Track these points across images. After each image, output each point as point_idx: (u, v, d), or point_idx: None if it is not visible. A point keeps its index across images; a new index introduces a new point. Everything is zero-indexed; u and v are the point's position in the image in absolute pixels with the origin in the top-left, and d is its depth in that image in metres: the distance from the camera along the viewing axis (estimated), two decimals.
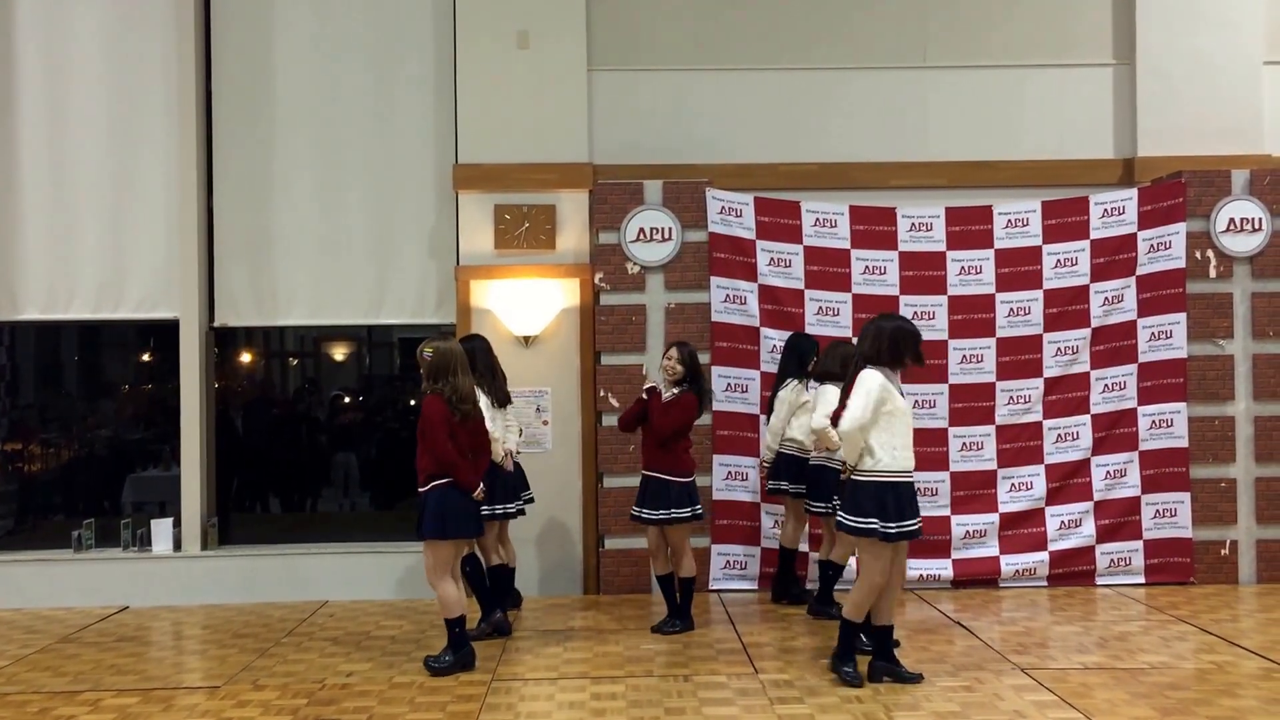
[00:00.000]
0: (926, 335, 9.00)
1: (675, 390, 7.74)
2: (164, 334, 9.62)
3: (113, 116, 9.53)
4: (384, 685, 6.65)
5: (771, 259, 9.14)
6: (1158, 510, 9.09)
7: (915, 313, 9.11)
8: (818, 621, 7.99)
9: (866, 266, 9.20)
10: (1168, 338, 9.12)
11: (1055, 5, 9.79)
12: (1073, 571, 9.06)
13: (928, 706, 6.06)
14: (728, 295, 9.09)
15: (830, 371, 7.82)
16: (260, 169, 9.59)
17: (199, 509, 9.30)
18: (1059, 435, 9.16)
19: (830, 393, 7.62)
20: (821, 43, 9.72)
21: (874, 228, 9.21)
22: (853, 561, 7.85)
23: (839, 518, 6.54)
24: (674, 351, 7.79)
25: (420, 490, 6.88)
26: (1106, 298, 9.17)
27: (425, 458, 6.84)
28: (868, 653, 6.64)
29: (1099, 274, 9.19)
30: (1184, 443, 9.08)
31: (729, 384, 9.06)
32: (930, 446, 8.94)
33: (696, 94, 9.62)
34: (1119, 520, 9.09)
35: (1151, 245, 9.16)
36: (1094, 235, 9.20)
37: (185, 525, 9.30)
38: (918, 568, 8.85)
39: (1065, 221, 9.22)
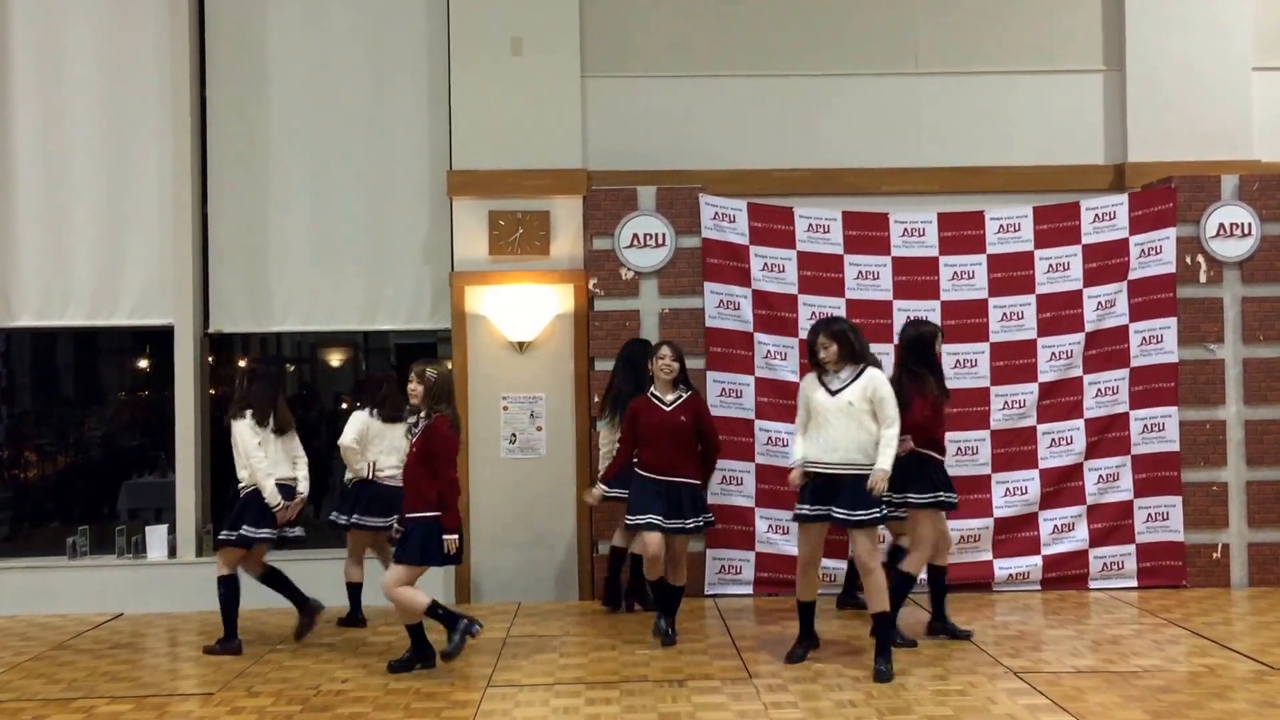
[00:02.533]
0: None
1: (681, 393, 7.57)
2: (159, 340, 9.64)
3: (107, 123, 9.55)
4: (378, 692, 6.66)
5: (765, 264, 9.17)
6: (1150, 514, 9.12)
7: (909, 317, 9.13)
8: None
9: (859, 272, 9.23)
10: (1159, 342, 9.16)
11: (1045, 12, 9.84)
12: (1066, 575, 9.08)
13: (920, 711, 6.08)
14: (721, 301, 9.13)
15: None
16: (255, 175, 9.61)
17: (194, 515, 9.30)
18: (1053, 440, 9.18)
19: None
20: (814, 49, 9.75)
21: (867, 233, 9.25)
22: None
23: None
24: (668, 351, 7.58)
25: (416, 516, 6.88)
26: (1099, 302, 9.21)
27: (432, 482, 6.84)
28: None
29: (1091, 279, 9.22)
30: (1175, 447, 9.11)
31: (723, 389, 9.08)
32: None
33: (690, 100, 9.65)
34: (1112, 524, 9.12)
35: (1142, 250, 9.21)
36: (1085, 240, 9.24)
37: (180, 532, 9.30)
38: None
39: (1057, 226, 9.26)
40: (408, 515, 6.95)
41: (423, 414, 7.00)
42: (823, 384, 6.94)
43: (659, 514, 7.41)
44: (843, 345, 6.90)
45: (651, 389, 7.62)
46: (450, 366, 7.16)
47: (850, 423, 6.79)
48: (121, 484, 10.07)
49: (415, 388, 7.02)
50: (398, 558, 6.97)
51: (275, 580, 7.91)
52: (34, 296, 9.51)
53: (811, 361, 7.05)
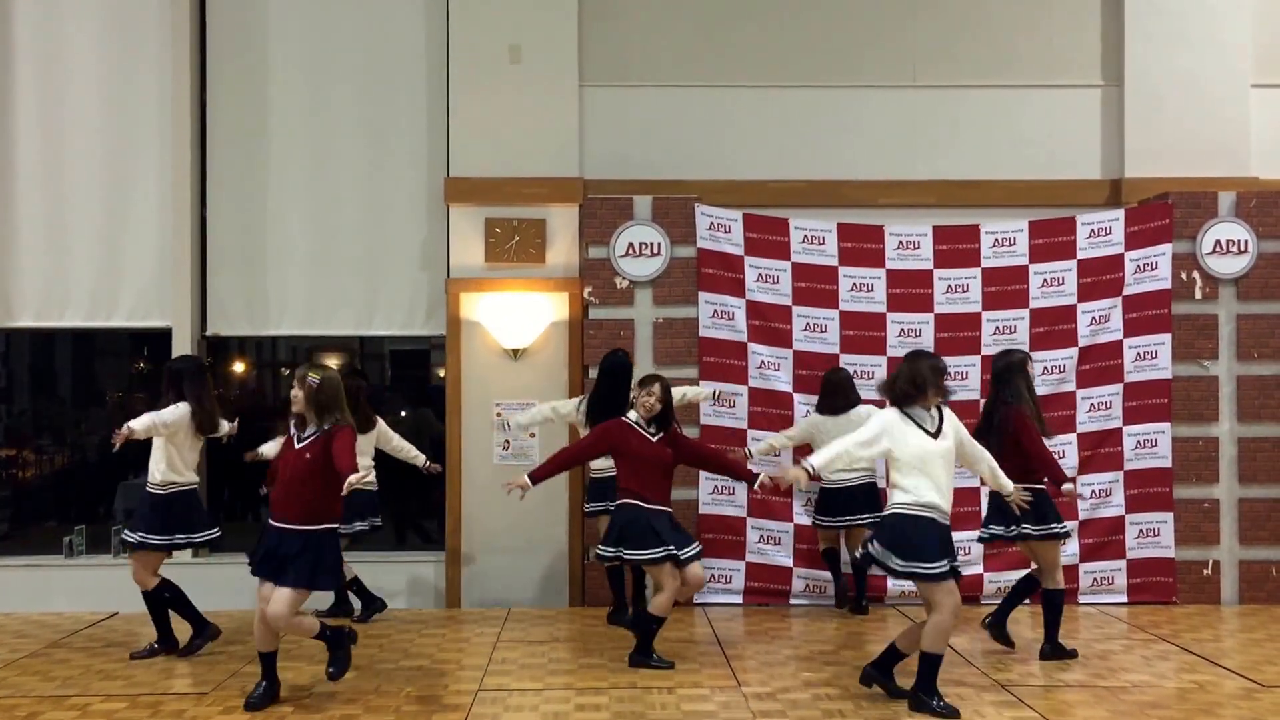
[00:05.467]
0: None
1: (657, 429, 7.20)
2: (157, 343, 9.67)
3: (108, 127, 9.60)
4: (370, 694, 6.69)
5: (759, 275, 9.20)
6: (1141, 530, 9.15)
7: (902, 330, 9.19)
8: (809, 632, 8.04)
9: (854, 284, 9.27)
10: (1153, 358, 9.19)
11: (1044, 26, 9.87)
12: None
13: None
14: (716, 311, 9.16)
15: None
16: (254, 180, 9.66)
17: None
18: None
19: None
20: (812, 62, 9.79)
21: (862, 245, 9.28)
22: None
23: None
24: (657, 389, 7.17)
25: (316, 529, 6.28)
26: (1094, 317, 9.24)
27: (336, 496, 6.25)
28: None
29: (1086, 294, 9.26)
30: (1168, 463, 9.14)
31: (717, 398, 9.10)
32: None
33: (687, 110, 9.70)
34: (1103, 539, 9.14)
35: (1138, 266, 9.24)
36: (1081, 255, 9.28)
37: None
38: (900, 584, 8.88)
39: (1052, 241, 9.29)
40: (297, 529, 6.25)
41: (312, 425, 6.32)
42: (915, 423, 6.23)
43: (663, 545, 7.12)
44: None
45: (635, 416, 7.26)
46: (337, 370, 6.57)
47: (950, 468, 6.27)
48: (118, 484, 10.09)
49: (296, 393, 6.33)
50: (291, 583, 6.24)
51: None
52: (33, 298, 9.56)
53: (907, 398, 6.26)
